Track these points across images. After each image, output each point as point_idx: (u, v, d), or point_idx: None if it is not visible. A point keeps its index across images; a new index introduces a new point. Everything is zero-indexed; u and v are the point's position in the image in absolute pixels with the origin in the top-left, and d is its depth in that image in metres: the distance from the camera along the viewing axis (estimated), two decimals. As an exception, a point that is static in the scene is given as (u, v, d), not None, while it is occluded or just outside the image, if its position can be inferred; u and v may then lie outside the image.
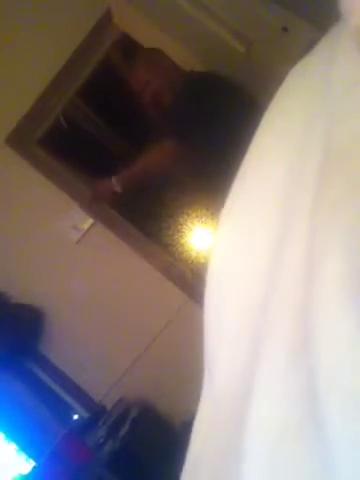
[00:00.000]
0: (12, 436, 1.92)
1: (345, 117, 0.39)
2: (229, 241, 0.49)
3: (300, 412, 0.32)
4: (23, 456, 1.88)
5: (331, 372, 0.30)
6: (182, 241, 2.27)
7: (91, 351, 2.17)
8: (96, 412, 2.05)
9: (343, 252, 0.32)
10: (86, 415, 2.06)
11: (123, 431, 1.73)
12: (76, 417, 2.07)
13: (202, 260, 2.13)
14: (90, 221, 2.18)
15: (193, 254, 2.22)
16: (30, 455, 1.88)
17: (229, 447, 0.38)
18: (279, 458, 0.33)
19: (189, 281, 2.08)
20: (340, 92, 0.41)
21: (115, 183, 1.86)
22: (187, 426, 0.49)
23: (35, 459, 1.86)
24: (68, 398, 2.11)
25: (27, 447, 1.90)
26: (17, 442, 1.91)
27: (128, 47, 2.13)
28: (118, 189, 1.86)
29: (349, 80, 0.41)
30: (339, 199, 0.35)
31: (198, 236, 2.27)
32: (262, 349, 0.37)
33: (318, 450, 0.30)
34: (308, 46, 0.55)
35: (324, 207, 0.36)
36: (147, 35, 1.90)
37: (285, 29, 1.16)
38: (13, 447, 1.90)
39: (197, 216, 2.19)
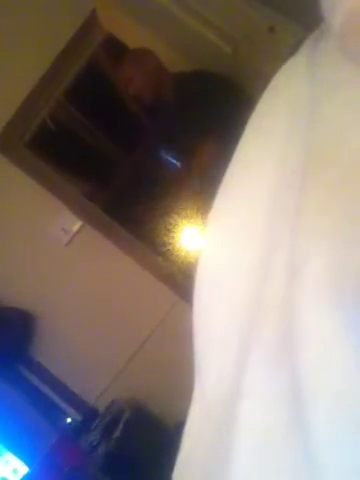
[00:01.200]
0: (4, 441, 1.90)
1: (325, 119, 0.39)
2: (217, 243, 0.49)
3: (286, 414, 0.33)
4: (6, 457, 1.87)
5: (315, 374, 0.31)
6: (172, 241, 2.27)
7: (83, 354, 2.16)
8: (89, 415, 2.04)
9: (326, 254, 0.32)
10: (79, 418, 2.06)
11: (116, 433, 1.72)
12: (69, 420, 2.07)
13: (192, 260, 2.13)
14: (79, 223, 2.17)
15: (183, 254, 2.22)
16: (23, 459, 1.87)
17: (218, 449, 0.38)
18: (266, 461, 0.33)
19: (180, 282, 2.08)
20: (321, 95, 0.41)
21: (196, 184, 1.87)
22: (180, 427, 0.49)
23: (29, 463, 1.85)
24: (60, 401, 2.10)
25: (20, 451, 1.89)
26: (10, 446, 1.90)
27: (114, 48, 2.13)
28: (198, 189, 1.87)
29: (330, 83, 0.41)
30: (321, 202, 0.35)
31: (188, 236, 2.28)
32: (249, 351, 0.38)
33: (304, 453, 0.30)
34: (295, 46, 0.55)
35: (307, 210, 0.36)
36: (133, 36, 1.90)
37: (271, 29, 1.17)
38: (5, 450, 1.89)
39: (187, 216, 2.20)
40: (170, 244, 2.25)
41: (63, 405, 2.10)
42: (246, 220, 0.46)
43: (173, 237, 2.26)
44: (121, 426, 1.77)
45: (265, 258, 0.41)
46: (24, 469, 1.84)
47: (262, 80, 0.54)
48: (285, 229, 0.39)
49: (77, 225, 2.17)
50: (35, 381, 2.11)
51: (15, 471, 1.85)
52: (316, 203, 0.36)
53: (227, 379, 0.40)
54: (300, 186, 0.39)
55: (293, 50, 0.53)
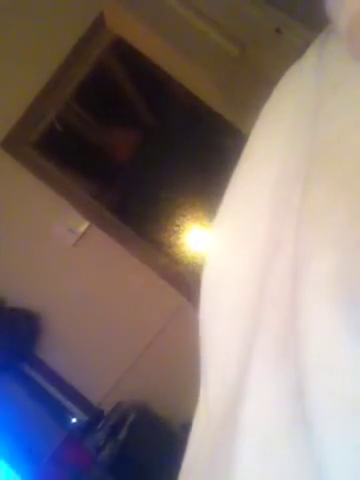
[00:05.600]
0: (11, 440, 1.91)
1: (329, 118, 0.39)
2: (222, 245, 0.49)
3: (289, 414, 0.33)
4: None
5: (318, 374, 0.31)
6: (179, 242, 2.27)
7: (89, 354, 2.16)
8: (95, 416, 2.05)
9: (329, 254, 0.32)
10: (85, 419, 2.06)
11: (122, 434, 1.73)
12: (75, 421, 2.07)
13: (199, 261, 2.13)
14: (86, 224, 2.18)
15: (190, 255, 2.22)
16: (30, 459, 1.87)
17: (223, 450, 0.38)
18: (269, 460, 0.33)
19: (186, 283, 2.08)
20: (326, 93, 0.41)
21: None
22: (186, 428, 0.49)
23: (35, 463, 1.85)
24: (66, 402, 2.10)
25: (27, 451, 1.90)
26: (16, 446, 1.90)
27: (122, 50, 2.14)
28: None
29: (335, 81, 0.41)
30: (324, 201, 0.35)
31: (195, 237, 2.27)
32: (253, 353, 0.38)
33: (308, 452, 0.30)
34: (302, 47, 0.55)
35: (310, 209, 0.36)
36: (140, 38, 1.90)
37: (279, 31, 1.16)
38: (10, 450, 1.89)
39: (194, 217, 2.20)
40: (177, 245, 2.25)
41: (69, 406, 2.10)
42: (251, 221, 0.46)
43: (180, 238, 2.26)
44: (127, 427, 1.78)
45: (269, 259, 0.41)
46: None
47: (270, 82, 0.54)
48: (289, 229, 0.39)
49: (84, 226, 2.17)
50: (41, 381, 2.12)
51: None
52: (319, 202, 0.35)
53: (231, 381, 0.40)
54: (303, 186, 0.39)
55: (300, 52, 0.53)
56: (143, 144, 2.43)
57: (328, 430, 0.29)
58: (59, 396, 2.10)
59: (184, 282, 2.10)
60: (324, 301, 0.31)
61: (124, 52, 2.10)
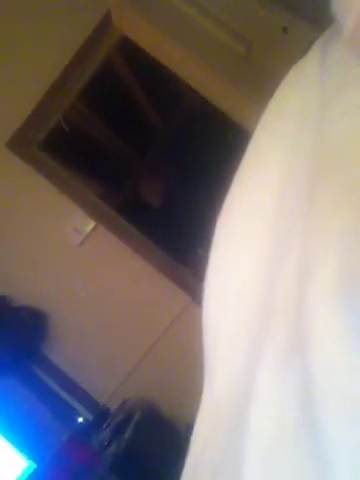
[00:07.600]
0: (16, 439, 1.92)
1: (335, 118, 0.39)
2: (226, 245, 0.49)
3: (296, 414, 0.33)
4: (24, 457, 1.88)
5: (323, 376, 0.31)
6: (183, 242, 2.27)
7: (94, 353, 2.17)
8: (100, 415, 2.05)
9: (336, 257, 0.32)
10: (90, 417, 2.07)
11: (127, 433, 1.73)
12: (80, 419, 2.08)
13: (203, 261, 2.13)
14: (92, 223, 2.18)
15: (195, 255, 2.22)
16: (34, 457, 1.88)
17: (230, 448, 0.38)
18: (276, 461, 0.33)
19: (192, 283, 2.08)
20: (331, 94, 0.41)
21: None
22: (191, 428, 0.49)
23: (39, 461, 1.86)
24: (72, 401, 2.11)
25: (31, 449, 1.90)
26: (21, 445, 1.91)
27: (129, 49, 2.14)
28: None
29: (340, 82, 0.41)
30: (331, 204, 0.35)
31: (200, 236, 2.27)
32: (261, 351, 0.38)
33: (315, 453, 0.30)
34: (308, 47, 0.55)
35: (317, 212, 0.36)
36: (147, 37, 1.91)
37: (285, 30, 1.16)
38: (14, 448, 1.90)
39: (199, 215, 2.19)
40: (182, 245, 2.25)
41: (75, 404, 2.11)
42: (255, 222, 0.46)
43: (185, 238, 2.26)
44: (132, 426, 1.78)
45: (275, 260, 0.41)
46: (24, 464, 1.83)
47: (276, 81, 0.54)
48: (296, 231, 0.39)
49: (90, 226, 2.18)
50: (47, 380, 2.13)
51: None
52: (326, 205, 0.36)
53: (237, 380, 0.40)
54: (310, 188, 0.39)
55: (306, 50, 0.53)
56: (149, 144, 2.44)
57: (334, 431, 0.29)
58: (65, 395, 2.11)
59: (190, 282, 2.10)
60: (329, 303, 0.31)
61: (131, 52, 2.10)
